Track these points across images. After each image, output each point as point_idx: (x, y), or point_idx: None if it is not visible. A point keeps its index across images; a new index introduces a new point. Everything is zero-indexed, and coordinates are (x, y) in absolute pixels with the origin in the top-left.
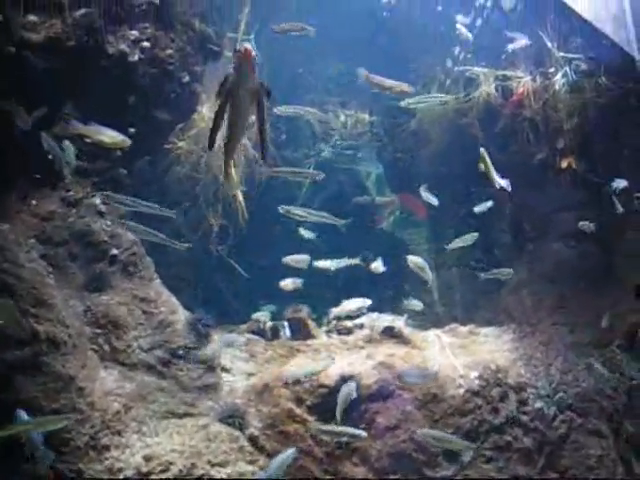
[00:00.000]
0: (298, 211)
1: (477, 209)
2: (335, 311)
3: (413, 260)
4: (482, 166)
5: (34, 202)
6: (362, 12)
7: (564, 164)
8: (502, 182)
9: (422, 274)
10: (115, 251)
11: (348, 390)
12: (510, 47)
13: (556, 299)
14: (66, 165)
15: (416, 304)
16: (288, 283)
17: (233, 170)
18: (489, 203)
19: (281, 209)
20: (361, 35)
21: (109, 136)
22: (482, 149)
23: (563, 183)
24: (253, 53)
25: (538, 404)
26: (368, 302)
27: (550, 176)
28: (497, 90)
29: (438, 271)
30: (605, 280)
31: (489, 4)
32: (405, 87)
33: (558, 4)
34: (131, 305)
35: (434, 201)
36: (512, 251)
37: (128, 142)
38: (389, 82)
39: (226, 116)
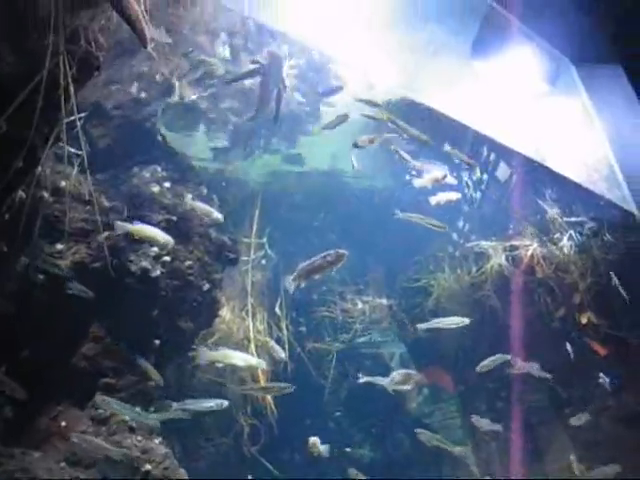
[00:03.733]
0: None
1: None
2: None
3: None
4: None
5: (64, 423)
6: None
7: (584, 320)
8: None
9: None
10: (148, 467)
11: None
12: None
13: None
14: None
15: None
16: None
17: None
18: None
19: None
20: (367, 221)
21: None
22: None
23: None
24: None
25: None
26: None
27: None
28: (507, 260)
29: (475, 447)
30: None
31: (486, 177)
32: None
33: (551, 173)
34: None
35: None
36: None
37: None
38: None
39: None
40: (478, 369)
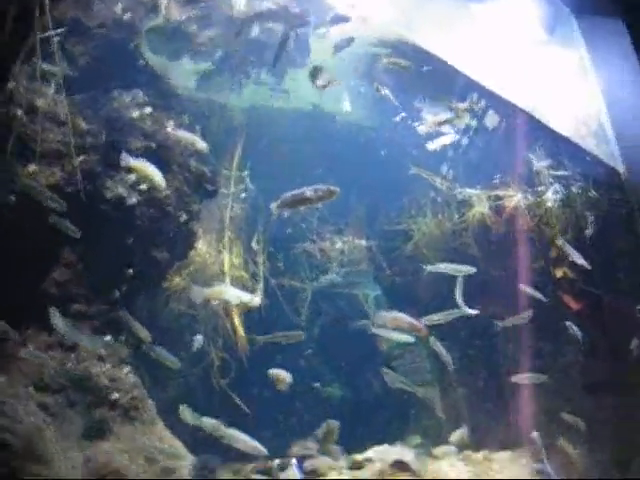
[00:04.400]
0: None
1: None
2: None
3: None
4: None
5: (32, 348)
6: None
7: (559, 273)
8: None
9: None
10: (116, 395)
11: None
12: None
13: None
14: None
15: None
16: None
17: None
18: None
19: None
20: (352, 160)
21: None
22: None
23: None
24: None
25: None
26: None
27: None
28: (490, 209)
29: (443, 392)
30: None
31: (474, 123)
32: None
33: (541, 124)
34: (132, 452)
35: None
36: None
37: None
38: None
39: None
40: (426, 321)
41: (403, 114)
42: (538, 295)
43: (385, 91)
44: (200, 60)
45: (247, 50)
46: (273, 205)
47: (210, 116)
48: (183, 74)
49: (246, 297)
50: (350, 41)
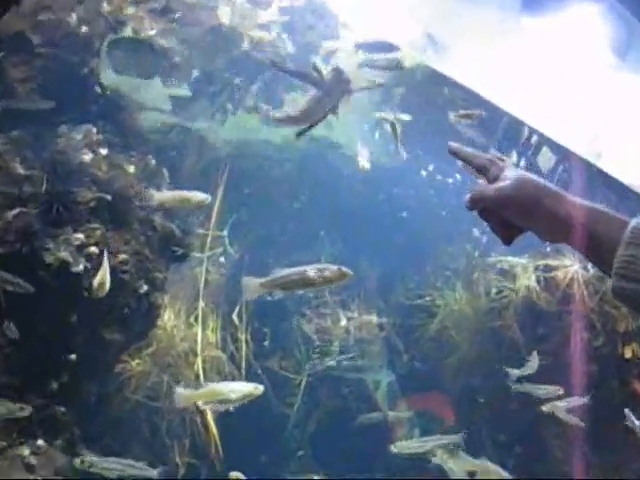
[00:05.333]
0: None
1: None
2: None
3: None
4: None
5: None
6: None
7: (628, 353)
8: None
9: None
10: None
11: None
12: None
13: None
14: None
15: None
16: None
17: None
18: None
19: None
20: (362, 211)
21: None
22: None
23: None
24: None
25: None
26: None
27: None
28: (539, 283)
29: None
30: None
31: (522, 163)
32: None
33: (604, 173)
34: None
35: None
36: None
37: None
38: None
39: None
40: None
41: (431, 167)
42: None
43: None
44: (174, 82)
45: (233, 69)
46: (255, 284)
47: (184, 154)
48: (153, 99)
49: (248, 388)
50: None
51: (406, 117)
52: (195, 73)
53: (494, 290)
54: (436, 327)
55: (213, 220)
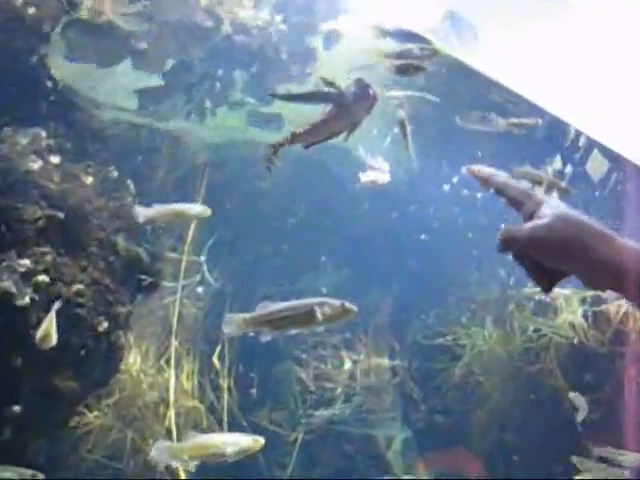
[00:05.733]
0: None
1: None
2: None
3: None
4: None
5: None
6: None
7: None
8: None
9: None
10: None
11: None
12: None
13: None
14: None
15: None
16: None
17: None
18: None
19: None
20: (371, 230)
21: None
22: None
23: None
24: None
25: None
26: None
27: None
28: (586, 319)
29: None
30: None
31: (568, 171)
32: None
33: None
34: None
35: None
36: None
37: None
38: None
39: None
40: None
41: (456, 179)
42: None
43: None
44: (143, 73)
45: (214, 59)
46: (237, 321)
47: (153, 161)
48: (116, 94)
49: (246, 441)
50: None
51: (430, 97)
52: (168, 62)
53: (531, 327)
54: (461, 372)
55: (188, 241)
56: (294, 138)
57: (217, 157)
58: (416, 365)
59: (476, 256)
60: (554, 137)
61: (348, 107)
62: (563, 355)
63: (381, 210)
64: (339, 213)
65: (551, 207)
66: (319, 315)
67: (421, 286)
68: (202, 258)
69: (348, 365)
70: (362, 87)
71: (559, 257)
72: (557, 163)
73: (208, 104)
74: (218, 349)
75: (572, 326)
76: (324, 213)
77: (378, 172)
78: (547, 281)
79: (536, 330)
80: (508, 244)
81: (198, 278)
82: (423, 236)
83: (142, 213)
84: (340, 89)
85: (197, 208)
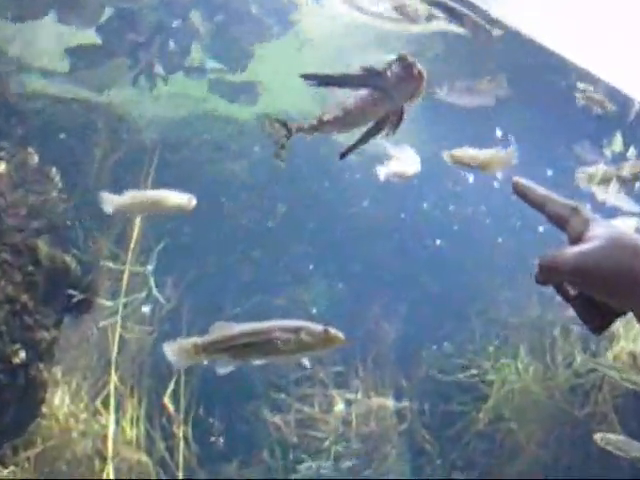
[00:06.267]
0: None
1: None
2: None
3: None
4: None
5: None
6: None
7: None
8: None
9: None
10: None
11: None
12: None
13: None
14: None
15: None
16: None
17: None
18: None
19: None
20: (366, 233)
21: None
22: None
23: None
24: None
25: None
26: None
27: None
28: None
29: None
30: None
31: (632, 152)
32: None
33: None
34: None
35: None
36: None
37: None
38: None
39: None
40: None
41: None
42: None
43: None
44: (73, 28)
45: (166, 8)
46: (185, 348)
47: (87, 143)
48: (39, 54)
49: None
50: None
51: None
52: (104, 13)
53: (579, 358)
54: (488, 416)
55: (132, 247)
56: (320, 125)
57: (171, 137)
58: (429, 407)
59: (507, 267)
60: (613, 113)
61: (388, 90)
62: (620, 395)
63: (385, 208)
64: (332, 211)
65: (603, 227)
66: (293, 342)
67: (436, 305)
68: (149, 268)
69: (340, 407)
70: (405, 66)
71: (613, 290)
72: (617, 143)
73: (159, 69)
74: (171, 387)
75: (632, 357)
76: (312, 211)
77: (403, 163)
78: (598, 320)
79: (584, 363)
80: (549, 274)
81: (144, 294)
82: (439, 241)
83: (110, 201)
84: (377, 70)
85: (179, 197)
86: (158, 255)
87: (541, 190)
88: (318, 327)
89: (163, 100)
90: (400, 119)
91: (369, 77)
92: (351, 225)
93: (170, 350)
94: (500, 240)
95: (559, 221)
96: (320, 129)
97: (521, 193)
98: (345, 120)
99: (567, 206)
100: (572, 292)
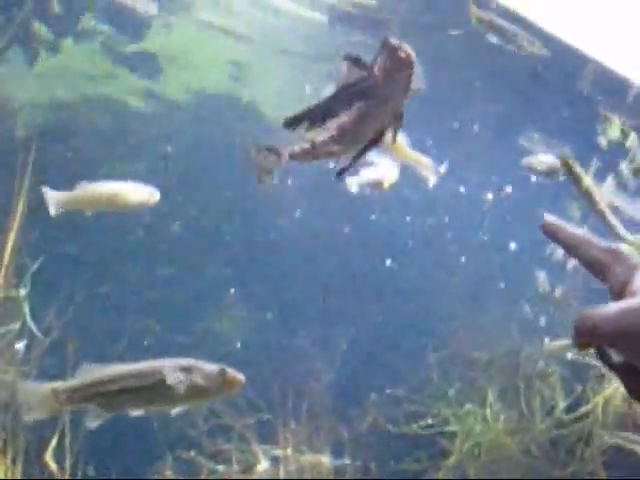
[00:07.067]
0: None
1: None
2: None
3: None
4: None
5: None
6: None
7: None
8: None
9: None
10: None
11: None
12: None
13: None
14: None
15: None
16: None
17: None
18: None
19: None
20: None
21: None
22: None
23: None
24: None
25: None
26: None
27: None
28: None
29: None
30: None
31: (633, 138)
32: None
33: None
34: None
35: None
36: None
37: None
38: None
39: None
40: None
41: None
42: None
43: None
44: None
45: None
46: (43, 393)
47: None
48: None
49: None
50: None
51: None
52: None
53: (562, 403)
54: (449, 477)
55: (6, 261)
56: (314, 150)
57: (53, 124)
58: (376, 466)
59: (471, 292)
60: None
61: (380, 90)
62: (612, 450)
63: (323, 219)
64: (256, 221)
65: None
66: (179, 387)
67: (385, 339)
68: (22, 292)
69: (264, 465)
70: (390, 51)
71: None
72: (615, 127)
73: (43, 34)
74: (53, 442)
75: (629, 402)
76: (232, 220)
77: (380, 170)
78: None
79: (570, 409)
80: (589, 336)
81: (17, 325)
82: (389, 261)
83: (55, 199)
84: (364, 66)
85: (141, 191)
86: (33, 276)
87: (575, 230)
88: (212, 367)
89: (44, 77)
90: (400, 120)
91: (356, 85)
92: (283, 237)
93: (23, 396)
94: (463, 259)
95: (597, 268)
96: (315, 155)
97: (551, 233)
98: (343, 139)
99: (608, 250)
100: (616, 358)
